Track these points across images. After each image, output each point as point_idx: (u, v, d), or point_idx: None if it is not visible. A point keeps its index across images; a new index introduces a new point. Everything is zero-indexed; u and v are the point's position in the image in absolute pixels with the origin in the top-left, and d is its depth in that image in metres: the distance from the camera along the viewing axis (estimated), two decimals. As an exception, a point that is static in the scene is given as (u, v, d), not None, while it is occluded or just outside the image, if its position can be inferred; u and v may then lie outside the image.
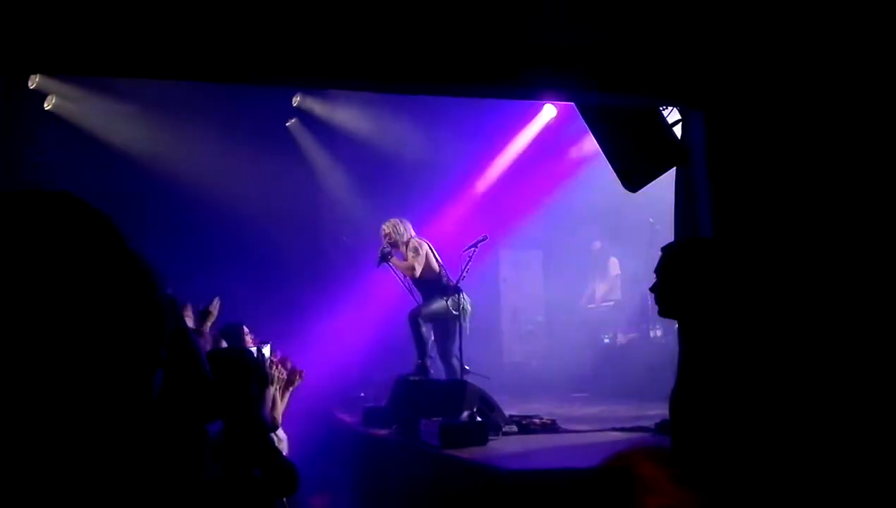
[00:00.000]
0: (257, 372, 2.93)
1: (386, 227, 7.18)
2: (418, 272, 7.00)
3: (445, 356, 7.04)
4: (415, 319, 7.05)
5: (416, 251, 7.03)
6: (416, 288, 7.22)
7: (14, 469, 0.71)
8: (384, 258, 7.10)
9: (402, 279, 7.21)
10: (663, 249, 2.77)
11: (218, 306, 4.51)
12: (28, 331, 0.70)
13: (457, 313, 6.84)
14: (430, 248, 7.19)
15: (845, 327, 3.26)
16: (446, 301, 6.93)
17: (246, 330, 5.23)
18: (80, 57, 3.23)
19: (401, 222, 7.22)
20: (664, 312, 2.71)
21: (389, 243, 7.13)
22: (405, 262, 7.07)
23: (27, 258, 0.72)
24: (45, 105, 7.97)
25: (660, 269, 2.72)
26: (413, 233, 7.22)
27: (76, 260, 0.74)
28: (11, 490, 0.71)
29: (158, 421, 0.83)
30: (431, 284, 7.09)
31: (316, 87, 8.09)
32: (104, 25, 3.13)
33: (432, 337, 7.13)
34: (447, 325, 6.98)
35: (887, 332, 3.17)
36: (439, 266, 7.16)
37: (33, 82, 7.74)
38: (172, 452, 1.69)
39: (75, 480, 0.72)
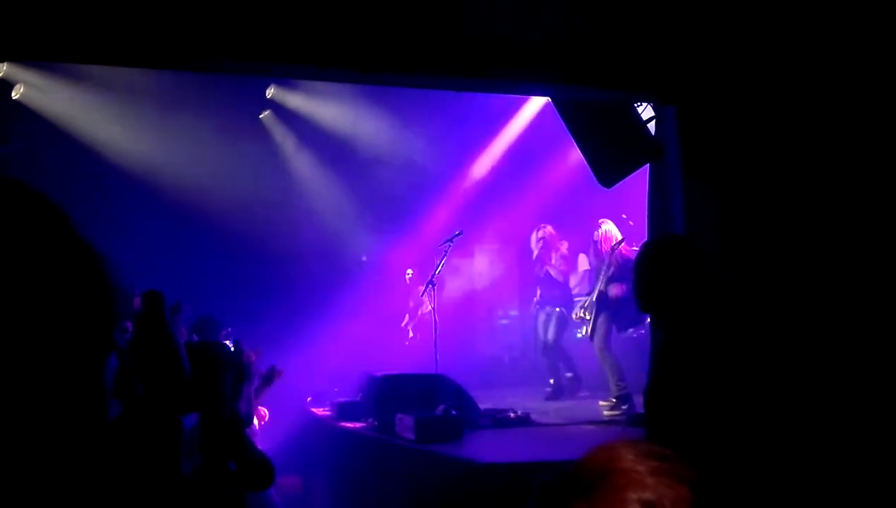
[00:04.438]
0: (233, 366, 2.91)
1: (542, 232, 7.68)
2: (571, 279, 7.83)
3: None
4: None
5: (565, 259, 7.71)
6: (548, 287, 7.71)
7: None
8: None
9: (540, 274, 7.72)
10: (641, 246, 2.85)
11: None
12: None
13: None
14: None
15: (818, 318, 3.32)
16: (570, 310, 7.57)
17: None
18: (50, 43, 3.17)
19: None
20: (642, 307, 2.77)
21: (543, 247, 7.65)
22: (561, 266, 7.69)
23: None
24: (13, 94, 7.80)
25: (635, 266, 2.78)
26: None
27: (18, 245, 0.72)
28: None
29: (111, 408, 0.81)
30: (563, 288, 7.79)
31: (288, 77, 8.00)
32: (75, 10, 3.08)
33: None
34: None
35: (859, 323, 3.23)
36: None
37: (0, 71, 7.58)
38: (142, 443, 1.67)
39: (23, 466, 0.71)
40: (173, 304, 4.34)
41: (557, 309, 7.69)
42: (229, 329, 5.17)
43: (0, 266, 0.74)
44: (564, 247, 7.85)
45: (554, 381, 7.62)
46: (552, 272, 7.68)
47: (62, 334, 0.75)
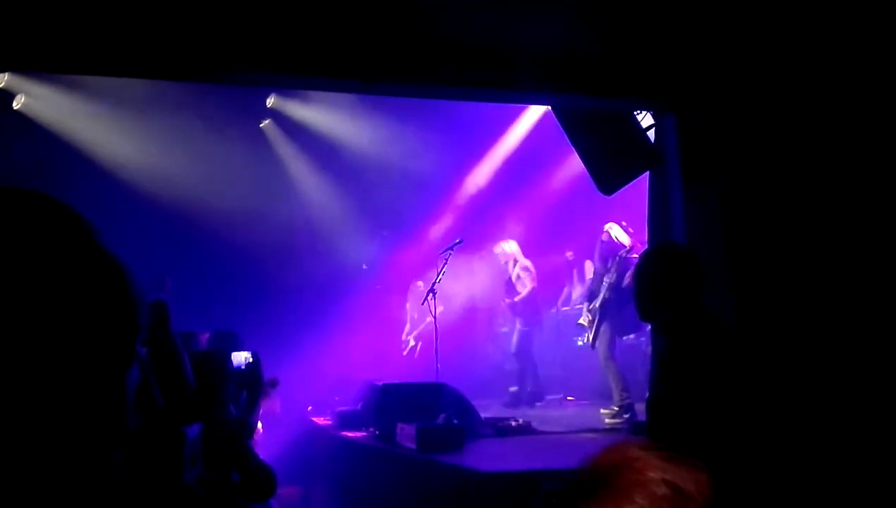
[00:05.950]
0: (247, 378, 2.91)
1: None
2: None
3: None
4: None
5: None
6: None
7: None
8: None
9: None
10: (641, 255, 2.85)
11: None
12: None
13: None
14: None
15: (819, 324, 3.32)
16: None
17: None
18: (54, 54, 3.18)
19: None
20: (643, 317, 2.76)
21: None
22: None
23: None
24: (14, 104, 7.81)
25: (635, 275, 2.78)
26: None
27: (42, 253, 0.72)
28: None
29: (134, 420, 0.82)
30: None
31: (290, 87, 8.03)
32: (78, 22, 3.09)
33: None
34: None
35: (860, 327, 3.24)
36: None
37: (1, 81, 7.59)
38: (149, 453, 1.67)
39: (45, 480, 0.71)
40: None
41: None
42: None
43: (25, 276, 0.74)
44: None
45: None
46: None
47: (87, 345, 0.76)
